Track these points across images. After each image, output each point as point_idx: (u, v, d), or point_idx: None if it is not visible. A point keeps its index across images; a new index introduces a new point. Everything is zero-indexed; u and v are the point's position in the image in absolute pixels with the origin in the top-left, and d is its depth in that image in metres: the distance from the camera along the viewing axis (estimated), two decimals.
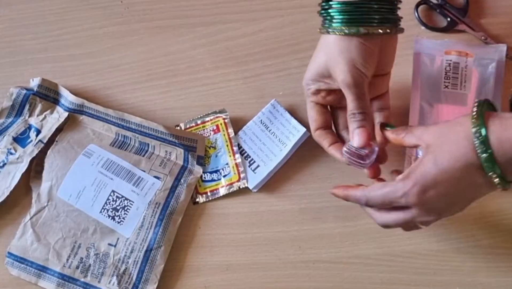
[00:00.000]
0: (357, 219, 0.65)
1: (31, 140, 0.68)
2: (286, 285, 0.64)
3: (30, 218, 0.65)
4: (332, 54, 0.56)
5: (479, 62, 0.68)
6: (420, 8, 0.72)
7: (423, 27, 0.71)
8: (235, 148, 0.67)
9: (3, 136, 0.68)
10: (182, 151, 0.67)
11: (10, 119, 0.69)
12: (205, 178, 0.67)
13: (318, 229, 0.65)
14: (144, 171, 0.67)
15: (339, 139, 0.61)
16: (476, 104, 0.50)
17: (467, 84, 0.67)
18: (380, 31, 0.55)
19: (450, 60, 0.68)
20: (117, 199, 0.65)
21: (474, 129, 0.48)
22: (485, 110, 0.49)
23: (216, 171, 0.67)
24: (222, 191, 0.66)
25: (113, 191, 0.65)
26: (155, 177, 0.66)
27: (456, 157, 0.49)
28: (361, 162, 0.57)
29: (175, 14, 0.74)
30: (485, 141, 0.47)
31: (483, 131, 0.47)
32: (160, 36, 0.73)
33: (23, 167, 0.66)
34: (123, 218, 0.65)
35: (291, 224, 0.66)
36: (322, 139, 0.61)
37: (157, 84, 0.72)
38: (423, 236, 0.64)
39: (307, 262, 0.65)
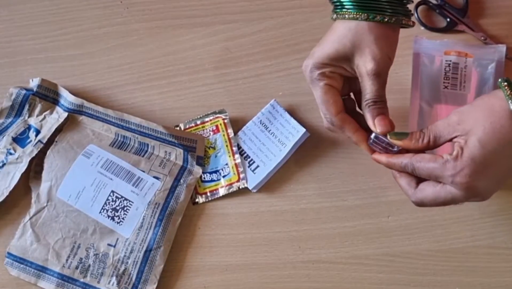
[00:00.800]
0: (356, 219, 0.65)
1: (31, 141, 0.68)
2: (286, 285, 0.64)
3: (30, 218, 0.65)
4: (364, 40, 0.54)
5: (478, 63, 0.68)
6: (420, 8, 0.72)
7: (422, 28, 0.71)
8: (235, 148, 0.67)
9: (3, 137, 0.68)
10: (181, 151, 0.67)
11: (9, 120, 0.69)
12: (204, 178, 0.67)
13: (318, 229, 0.65)
14: (144, 171, 0.67)
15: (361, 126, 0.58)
16: (505, 83, 0.50)
17: (466, 84, 0.67)
18: (410, 23, 0.57)
19: (450, 61, 0.68)
20: (117, 199, 0.65)
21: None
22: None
23: (215, 171, 0.67)
24: (222, 191, 0.66)
25: (112, 191, 0.65)
26: (154, 177, 0.66)
27: (502, 135, 0.49)
28: (391, 149, 0.55)
29: (175, 14, 0.74)
30: None
31: None
32: (160, 36, 0.73)
33: (22, 167, 0.66)
34: (123, 218, 0.65)
35: (291, 224, 0.66)
36: (347, 123, 0.57)
37: (156, 85, 0.72)
38: (423, 236, 0.64)
39: (307, 262, 0.65)
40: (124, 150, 0.68)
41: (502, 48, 0.68)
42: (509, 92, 0.49)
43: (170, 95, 0.71)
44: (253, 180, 0.66)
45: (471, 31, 0.70)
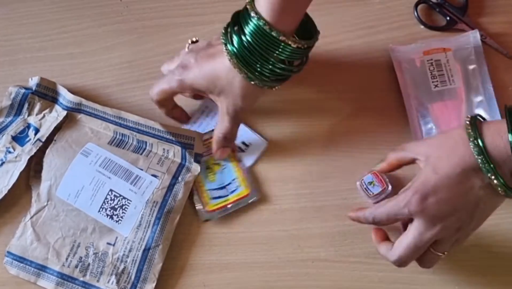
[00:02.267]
0: None
1: (30, 139, 0.68)
2: (285, 283, 0.64)
3: (31, 218, 0.65)
4: (233, 91, 0.60)
5: (458, 53, 0.68)
6: (420, 7, 0.72)
7: (422, 26, 0.71)
8: (241, 162, 0.67)
9: (2, 135, 0.68)
10: (179, 148, 0.67)
11: (9, 118, 0.69)
12: (212, 195, 0.66)
13: (317, 228, 0.65)
14: (142, 169, 0.67)
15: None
16: (468, 117, 0.52)
17: (454, 77, 0.67)
18: (274, 89, 0.61)
19: (431, 59, 0.68)
20: (115, 198, 0.65)
21: (469, 135, 0.50)
22: (477, 120, 0.52)
23: (222, 187, 0.67)
24: (232, 207, 0.66)
25: (111, 190, 0.65)
26: (152, 175, 0.66)
27: (454, 163, 0.51)
28: (368, 197, 0.63)
29: (174, 13, 0.74)
30: (480, 145, 0.49)
31: (477, 136, 0.50)
32: (159, 34, 0.73)
33: (21, 165, 0.66)
34: (121, 217, 0.64)
35: (290, 223, 0.66)
36: (163, 105, 0.67)
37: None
38: None
39: (306, 260, 0.65)
40: (123, 148, 0.68)
41: (475, 33, 0.68)
42: (469, 123, 0.51)
43: None
44: None
45: (471, 30, 0.70)
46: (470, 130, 0.51)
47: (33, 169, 0.68)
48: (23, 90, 0.69)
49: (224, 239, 0.66)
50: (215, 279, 0.65)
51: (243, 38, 0.56)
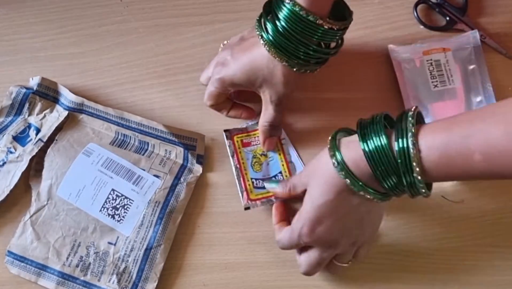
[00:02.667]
0: None
1: (31, 139, 0.68)
2: (285, 283, 0.64)
3: (30, 217, 0.65)
4: (275, 79, 0.60)
5: (458, 53, 0.68)
6: (419, 7, 0.72)
7: (422, 26, 0.71)
8: (288, 156, 0.67)
9: (3, 135, 0.68)
10: (182, 149, 0.67)
11: (9, 118, 0.69)
12: (256, 184, 0.66)
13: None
14: (144, 170, 0.67)
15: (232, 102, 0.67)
16: (330, 137, 0.54)
17: (454, 77, 0.68)
18: (315, 72, 0.61)
19: (431, 59, 0.68)
20: (117, 198, 0.65)
21: (331, 159, 0.51)
22: (339, 137, 0.53)
23: (267, 179, 0.66)
24: (276, 200, 0.64)
25: (113, 190, 0.65)
26: (154, 175, 0.67)
27: (326, 189, 0.52)
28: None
29: (174, 13, 0.74)
30: (344, 167, 0.51)
31: (338, 157, 0.51)
32: (159, 34, 0.73)
33: (23, 165, 0.66)
34: (123, 217, 0.65)
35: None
36: (220, 109, 0.67)
37: (156, 83, 0.72)
38: (422, 235, 0.64)
39: None
40: (125, 149, 0.68)
41: (475, 33, 0.68)
42: (331, 150, 0.52)
43: (170, 94, 0.71)
44: None
45: (471, 30, 0.70)
46: (332, 153, 0.52)
47: (34, 168, 0.68)
48: (24, 90, 0.69)
49: (224, 239, 0.66)
50: (215, 278, 0.65)
51: (278, 25, 0.56)
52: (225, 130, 0.67)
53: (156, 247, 0.64)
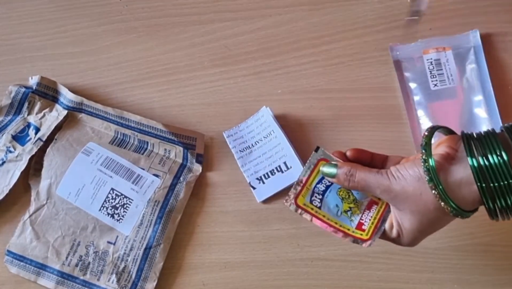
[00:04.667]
0: None
1: (30, 139, 0.68)
2: (285, 283, 0.64)
3: (29, 216, 0.65)
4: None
5: (458, 53, 0.68)
6: None
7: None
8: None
9: (2, 135, 0.68)
10: (181, 149, 0.67)
11: (9, 118, 0.69)
12: (317, 193, 0.53)
13: (317, 227, 0.65)
14: (144, 169, 0.67)
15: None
16: (431, 182, 0.46)
17: (453, 77, 0.67)
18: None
19: (431, 59, 0.68)
20: (117, 197, 0.65)
21: (429, 186, 0.45)
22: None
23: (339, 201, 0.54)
24: (325, 225, 0.53)
25: (112, 189, 0.65)
26: (154, 175, 0.67)
27: (430, 224, 0.49)
28: None
29: (174, 12, 0.74)
30: (445, 195, 0.45)
31: (440, 187, 0.45)
32: (159, 34, 0.73)
33: (22, 165, 0.66)
34: (123, 216, 0.65)
35: (290, 222, 0.66)
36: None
37: (155, 82, 0.72)
38: None
39: (306, 260, 0.65)
40: (124, 148, 0.68)
41: (476, 32, 0.68)
42: (437, 195, 0.45)
43: (169, 93, 0.71)
44: (262, 192, 0.66)
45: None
46: (429, 179, 0.45)
47: (33, 168, 0.68)
48: (23, 89, 0.69)
49: (223, 238, 0.66)
50: (215, 278, 0.65)
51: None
52: (285, 201, 0.52)
53: (155, 246, 0.64)
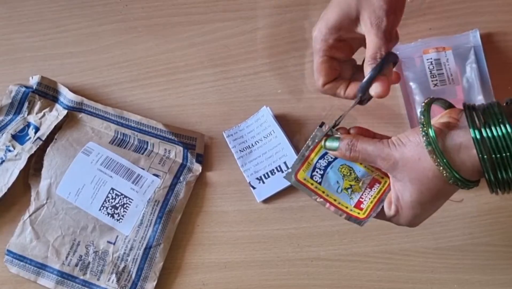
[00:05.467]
0: None
1: (30, 138, 0.68)
2: (284, 282, 0.64)
3: (29, 216, 0.65)
4: None
5: (458, 52, 0.68)
6: None
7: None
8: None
9: (2, 134, 0.68)
10: (181, 148, 0.67)
11: (9, 117, 0.69)
12: (319, 168, 0.52)
13: (317, 227, 0.66)
14: (144, 169, 0.67)
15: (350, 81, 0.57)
16: (429, 146, 0.45)
17: (454, 76, 0.67)
18: None
19: (431, 58, 0.68)
20: (116, 197, 0.65)
21: (427, 149, 0.45)
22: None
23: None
24: (322, 202, 0.52)
25: (112, 189, 0.65)
26: (154, 174, 0.67)
27: (431, 196, 0.48)
28: None
29: (174, 12, 0.74)
30: (446, 163, 0.45)
31: (438, 155, 0.45)
32: (159, 33, 0.73)
33: (21, 163, 0.66)
34: (122, 216, 0.65)
35: (290, 222, 0.66)
36: (332, 92, 0.57)
37: (155, 82, 0.72)
38: (421, 234, 0.64)
39: (306, 259, 0.65)
40: (124, 148, 0.68)
41: (476, 32, 0.68)
42: (435, 159, 0.45)
43: (169, 93, 0.71)
44: (262, 192, 0.66)
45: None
46: (428, 144, 0.45)
47: (33, 167, 0.68)
48: (23, 89, 0.69)
49: (223, 238, 0.66)
50: (215, 278, 0.65)
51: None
52: (284, 177, 0.53)
53: (155, 246, 0.64)
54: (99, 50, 0.73)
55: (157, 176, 0.67)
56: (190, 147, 0.67)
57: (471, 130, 0.44)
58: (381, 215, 0.51)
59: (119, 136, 0.69)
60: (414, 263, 0.64)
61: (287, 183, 0.65)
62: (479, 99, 0.67)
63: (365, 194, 0.52)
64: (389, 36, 0.53)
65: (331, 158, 0.52)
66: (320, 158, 0.52)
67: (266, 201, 0.66)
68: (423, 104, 0.47)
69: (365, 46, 0.54)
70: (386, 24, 0.51)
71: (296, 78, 0.70)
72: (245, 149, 0.68)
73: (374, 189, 0.51)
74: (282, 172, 0.66)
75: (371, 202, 0.51)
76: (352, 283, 0.64)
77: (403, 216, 0.49)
